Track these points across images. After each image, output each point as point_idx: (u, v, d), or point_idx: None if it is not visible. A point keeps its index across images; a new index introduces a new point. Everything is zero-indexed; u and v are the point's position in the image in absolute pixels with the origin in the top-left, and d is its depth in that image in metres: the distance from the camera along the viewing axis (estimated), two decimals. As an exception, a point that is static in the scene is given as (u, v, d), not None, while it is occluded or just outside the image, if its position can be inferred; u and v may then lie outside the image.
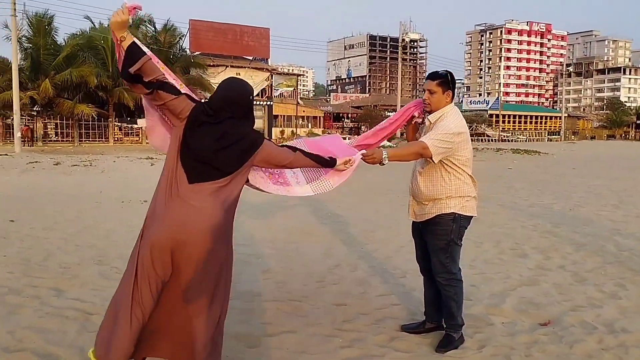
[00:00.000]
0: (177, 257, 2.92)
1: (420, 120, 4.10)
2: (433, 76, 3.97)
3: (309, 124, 53.57)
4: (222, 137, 3.00)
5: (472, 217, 4.07)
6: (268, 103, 46.38)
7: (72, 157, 25.20)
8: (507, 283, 5.65)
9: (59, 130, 38.31)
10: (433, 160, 3.79)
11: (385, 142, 4.29)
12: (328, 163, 3.54)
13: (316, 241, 7.47)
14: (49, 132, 38.26)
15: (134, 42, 2.91)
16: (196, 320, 2.97)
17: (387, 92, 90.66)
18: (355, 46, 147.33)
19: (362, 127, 57.21)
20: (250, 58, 45.80)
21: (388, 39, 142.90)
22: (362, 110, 58.70)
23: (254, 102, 3.37)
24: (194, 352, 2.97)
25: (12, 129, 30.45)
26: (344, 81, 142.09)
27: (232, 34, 44.59)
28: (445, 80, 3.90)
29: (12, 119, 30.21)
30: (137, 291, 2.91)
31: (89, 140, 38.16)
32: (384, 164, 3.75)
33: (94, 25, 40.50)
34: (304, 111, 53.48)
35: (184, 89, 3.15)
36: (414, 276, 5.62)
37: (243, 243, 7.22)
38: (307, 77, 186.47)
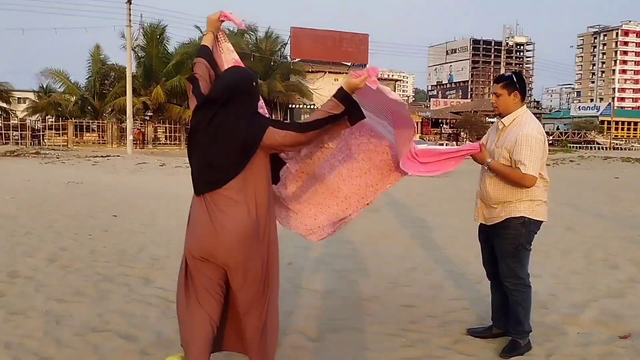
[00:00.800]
0: (216, 263, 2.94)
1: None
2: (498, 79, 3.96)
3: (407, 130, 52.90)
4: (216, 138, 2.88)
5: (542, 222, 3.98)
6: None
7: (177, 159, 26.62)
8: (590, 294, 5.42)
9: (168, 134, 40.48)
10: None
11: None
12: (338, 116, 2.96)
13: (395, 244, 7.50)
14: (158, 136, 40.54)
15: (202, 45, 3.36)
16: (245, 318, 3.08)
17: (490, 98, 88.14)
18: (457, 51, 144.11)
19: (462, 132, 55.96)
20: (349, 64, 46.25)
21: (492, 43, 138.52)
22: (461, 115, 57.46)
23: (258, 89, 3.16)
24: (246, 345, 3.14)
25: (126, 132, 32.56)
26: (444, 86, 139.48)
27: (332, 41, 45.26)
28: (511, 82, 3.87)
29: (126, 122, 32.32)
30: (194, 295, 3.04)
31: (194, 144, 40.00)
32: (485, 167, 3.88)
33: (202, 34, 42.60)
34: (401, 117, 53.31)
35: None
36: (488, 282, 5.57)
37: (322, 244, 7.38)
38: (407, 82, 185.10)
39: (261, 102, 3.38)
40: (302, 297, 5.13)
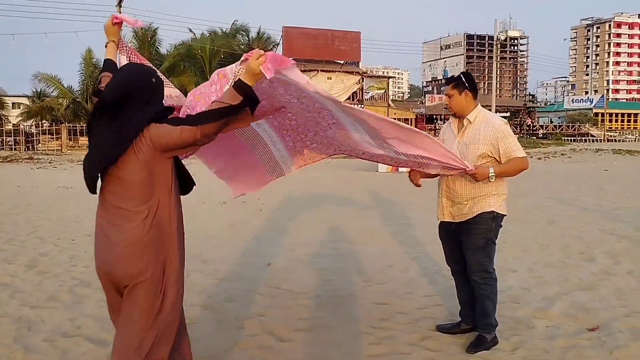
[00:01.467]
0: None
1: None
2: (448, 81, 4.09)
3: (401, 127, 52.96)
4: (116, 139, 2.59)
5: (505, 215, 4.07)
6: (359, 106, 46.68)
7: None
8: (562, 287, 5.48)
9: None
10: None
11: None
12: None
13: (376, 243, 7.54)
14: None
15: (105, 59, 3.21)
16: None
17: (486, 92, 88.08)
18: (451, 46, 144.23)
19: (457, 128, 55.93)
20: (342, 62, 46.28)
21: (486, 38, 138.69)
22: (455, 111, 57.43)
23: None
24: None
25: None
26: (439, 82, 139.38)
27: (324, 39, 45.25)
28: (459, 82, 3.98)
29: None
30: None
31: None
32: (490, 181, 3.84)
33: (195, 36, 42.52)
34: (395, 113, 52.98)
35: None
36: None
37: (304, 243, 7.46)
38: (402, 79, 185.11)
39: (188, 101, 3.20)
40: (276, 298, 5.17)
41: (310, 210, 10.38)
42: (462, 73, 4.05)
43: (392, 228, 8.52)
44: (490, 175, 3.77)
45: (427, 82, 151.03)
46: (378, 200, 12.16)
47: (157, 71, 2.97)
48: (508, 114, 63.55)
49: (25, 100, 45.62)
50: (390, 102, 55.06)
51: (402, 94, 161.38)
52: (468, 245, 4.03)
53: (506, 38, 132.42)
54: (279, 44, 43.91)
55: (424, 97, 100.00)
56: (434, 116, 61.43)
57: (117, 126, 2.57)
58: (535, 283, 5.62)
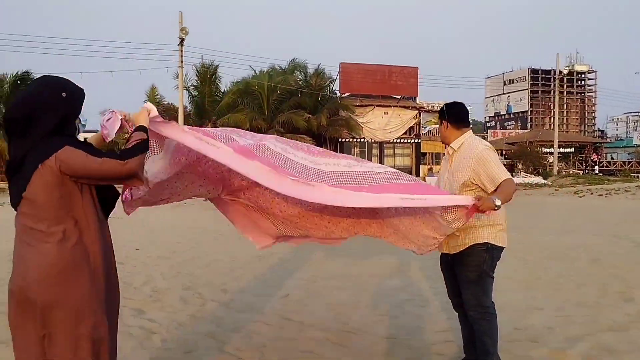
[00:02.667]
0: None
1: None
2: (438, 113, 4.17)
3: (459, 162, 52.23)
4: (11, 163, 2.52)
5: (503, 248, 3.91)
6: (416, 141, 46.25)
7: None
8: (589, 327, 5.16)
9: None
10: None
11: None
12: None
13: (401, 277, 7.38)
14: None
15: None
16: None
17: (550, 128, 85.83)
18: (515, 81, 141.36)
19: (519, 164, 54.61)
20: (398, 97, 46.22)
21: (552, 72, 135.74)
22: (516, 146, 56.10)
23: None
24: None
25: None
26: (502, 117, 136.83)
27: (381, 74, 45.38)
28: (441, 113, 4.07)
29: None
30: None
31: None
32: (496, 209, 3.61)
33: (255, 72, 43.57)
34: (453, 149, 52.60)
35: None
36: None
37: (327, 275, 7.39)
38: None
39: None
40: (284, 329, 5.11)
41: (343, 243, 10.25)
42: (445, 104, 4.09)
43: (422, 263, 8.29)
44: (496, 205, 3.49)
45: (489, 117, 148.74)
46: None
47: (79, 87, 2.72)
48: (572, 150, 61.55)
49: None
50: (448, 137, 54.34)
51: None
52: (462, 278, 3.89)
53: (572, 72, 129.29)
54: (335, 79, 44.35)
55: (486, 132, 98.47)
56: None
57: (25, 145, 2.48)
58: (561, 322, 5.32)
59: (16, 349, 2.55)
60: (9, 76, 35.88)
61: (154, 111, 2.91)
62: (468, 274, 3.86)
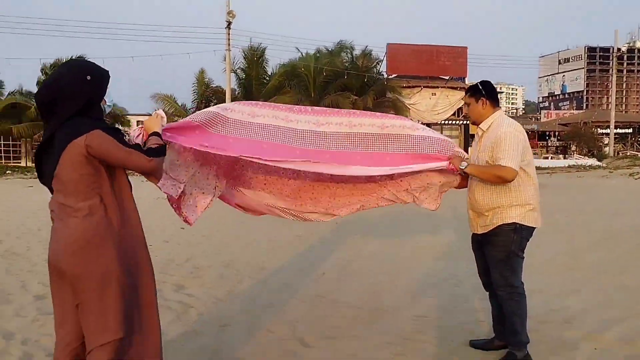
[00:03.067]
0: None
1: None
2: (466, 90, 4.06)
3: (509, 143, 51.03)
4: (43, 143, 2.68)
5: (534, 228, 3.88)
6: (464, 122, 45.46)
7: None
8: (627, 311, 5.03)
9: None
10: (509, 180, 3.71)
11: None
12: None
13: (442, 258, 7.36)
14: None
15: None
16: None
17: (607, 108, 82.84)
18: (571, 60, 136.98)
19: (572, 145, 53.04)
20: (447, 78, 45.50)
21: (610, 50, 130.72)
22: (569, 127, 54.47)
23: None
24: None
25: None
26: (557, 97, 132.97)
27: (429, 55, 44.72)
28: (476, 90, 3.95)
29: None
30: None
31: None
32: (461, 174, 3.92)
33: (302, 54, 43.59)
34: (503, 130, 51.41)
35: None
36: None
37: (367, 255, 7.45)
38: (516, 94, 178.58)
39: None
40: (317, 307, 5.21)
41: (384, 224, 10.29)
42: (480, 82, 4.01)
43: (459, 244, 8.23)
44: (460, 167, 3.78)
45: (543, 97, 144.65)
46: (459, 216, 11.79)
47: (104, 70, 2.82)
48: (631, 131, 59.29)
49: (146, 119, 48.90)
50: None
51: (515, 110, 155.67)
52: (490, 258, 3.88)
53: (633, 49, 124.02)
54: (382, 60, 43.96)
55: (540, 113, 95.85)
56: (547, 133, 58.66)
57: (52, 126, 2.62)
58: (598, 305, 5.22)
59: (56, 316, 2.74)
60: (63, 60, 37.13)
61: (164, 119, 3.15)
62: (496, 253, 3.85)
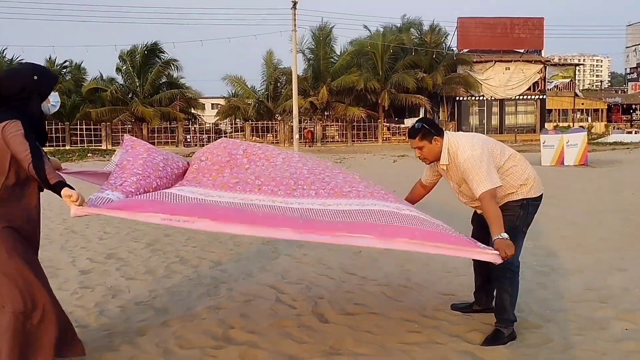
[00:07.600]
0: None
1: None
2: (411, 134, 3.84)
3: (589, 117, 48.79)
4: None
5: (540, 199, 3.91)
6: (541, 97, 43.58)
7: (337, 155, 27.58)
8: (674, 290, 4.77)
9: (338, 132, 41.79)
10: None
11: None
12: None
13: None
14: (327, 134, 42.00)
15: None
16: None
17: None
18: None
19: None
20: (522, 51, 43.69)
21: None
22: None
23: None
24: None
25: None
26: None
27: (502, 28, 43.04)
28: (426, 132, 3.78)
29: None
30: None
31: (359, 141, 40.79)
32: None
33: (370, 32, 43.12)
34: (582, 104, 48.76)
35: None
36: (558, 275, 5.33)
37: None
38: (601, 66, 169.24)
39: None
40: (345, 283, 5.22)
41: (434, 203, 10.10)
42: (419, 120, 3.85)
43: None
44: (505, 240, 3.41)
45: (631, 68, 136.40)
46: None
47: (51, 75, 3.24)
48: None
49: (222, 102, 49.94)
50: (577, 91, 50.71)
51: (600, 83, 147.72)
52: None
53: None
54: (452, 35, 42.81)
55: (627, 85, 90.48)
56: (633, 106, 55.37)
57: None
58: (638, 284, 4.97)
59: None
60: (139, 47, 38.52)
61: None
62: None
